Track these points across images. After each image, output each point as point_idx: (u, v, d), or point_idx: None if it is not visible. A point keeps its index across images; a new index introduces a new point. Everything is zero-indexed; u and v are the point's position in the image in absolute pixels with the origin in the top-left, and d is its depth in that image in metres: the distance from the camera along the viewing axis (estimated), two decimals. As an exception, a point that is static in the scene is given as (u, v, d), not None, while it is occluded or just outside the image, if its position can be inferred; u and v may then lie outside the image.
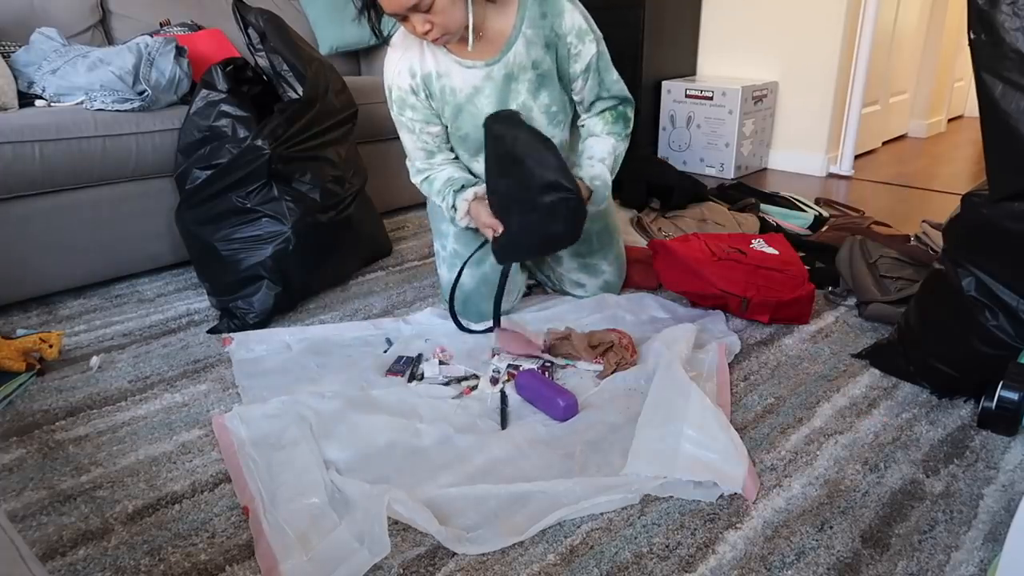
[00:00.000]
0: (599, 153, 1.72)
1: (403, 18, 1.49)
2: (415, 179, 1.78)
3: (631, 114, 1.77)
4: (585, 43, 1.63)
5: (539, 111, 1.68)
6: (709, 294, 1.80)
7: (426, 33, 1.48)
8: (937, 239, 2.07)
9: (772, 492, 1.21)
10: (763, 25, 3.44)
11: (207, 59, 2.14)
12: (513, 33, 1.60)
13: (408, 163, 1.78)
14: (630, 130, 1.78)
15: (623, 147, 1.77)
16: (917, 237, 2.19)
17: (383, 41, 1.64)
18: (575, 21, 1.61)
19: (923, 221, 2.26)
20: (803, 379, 1.57)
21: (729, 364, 1.60)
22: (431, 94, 1.66)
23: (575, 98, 1.74)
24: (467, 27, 1.52)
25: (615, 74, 1.72)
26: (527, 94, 1.66)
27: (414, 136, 1.72)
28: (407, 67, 1.63)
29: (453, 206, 1.71)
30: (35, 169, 1.82)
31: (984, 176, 1.34)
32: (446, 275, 1.85)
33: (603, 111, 1.74)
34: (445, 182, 1.72)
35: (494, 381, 1.53)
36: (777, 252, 1.94)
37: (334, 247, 1.98)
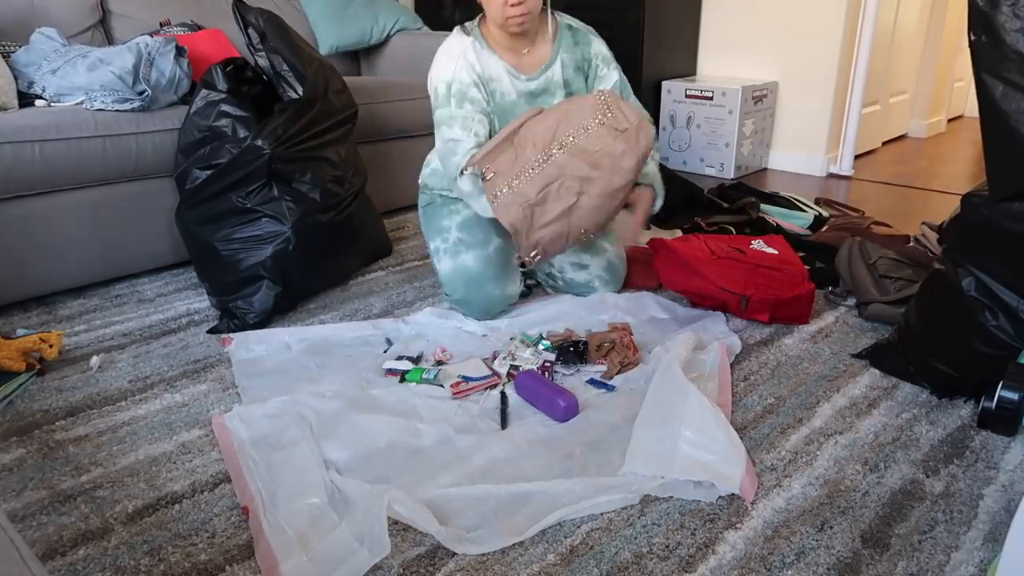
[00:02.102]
0: None
1: None
2: (442, 145, 1.78)
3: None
4: (610, 69, 1.87)
5: None
6: (709, 293, 1.80)
7: (516, 4, 1.64)
8: (935, 241, 2.07)
9: (772, 492, 1.21)
10: (763, 25, 3.44)
11: (207, 59, 2.14)
12: (552, 55, 1.82)
13: (439, 140, 1.80)
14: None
15: (658, 156, 1.92)
16: (916, 239, 2.19)
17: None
18: (601, 49, 1.88)
19: (923, 223, 2.26)
20: (803, 379, 1.57)
21: (730, 364, 1.60)
22: (486, 92, 1.79)
23: None
24: (541, 9, 1.72)
25: (635, 97, 1.92)
26: None
27: (467, 132, 1.76)
28: (467, 64, 1.77)
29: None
30: (35, 169, 1.82)
31: (984, 176, 1.34)
32: (449, 265, 1.85)
33: None
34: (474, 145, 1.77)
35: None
36: (776, 252, 1.94)
37: (334, 247, 1.98)
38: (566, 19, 1.86)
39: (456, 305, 1.86)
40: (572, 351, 1.59)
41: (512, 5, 1.64)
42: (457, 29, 1.80)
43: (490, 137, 1.79)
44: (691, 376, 1.44)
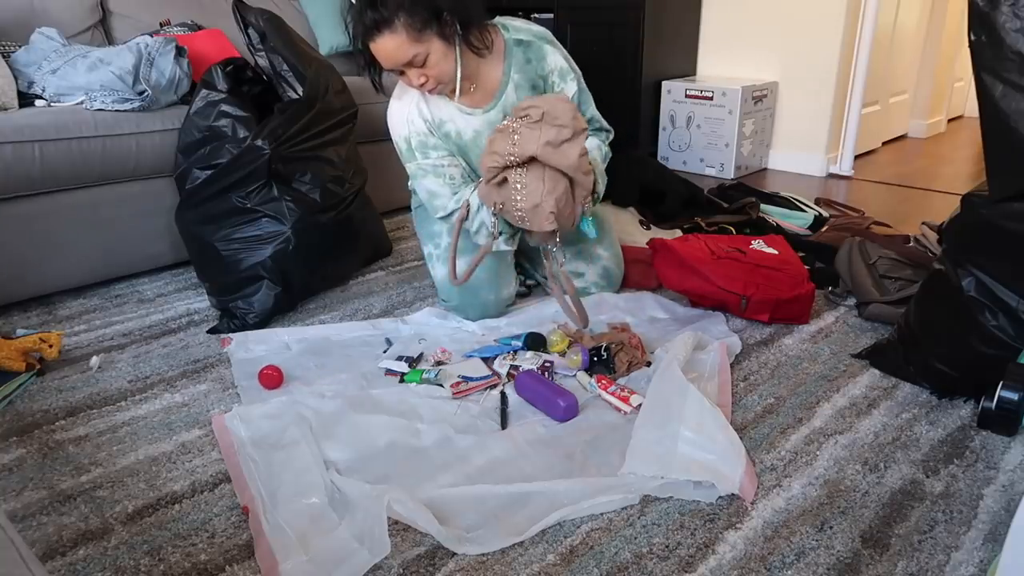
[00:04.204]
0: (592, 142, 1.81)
1: (400, 72, 1.62)
2: (422, 192, 1.78)
3: (609, 138, 1.88)
4: (567, 82, 1.77)
5: None
6: (708, 293, 1.80)
7: (422, 85, 1.62)
8: (935, 241, 2.07)
9: (772, 492, 1.21)
10: (763, 25, 3.44)
11: (207, 59, 2.14)
12: (503, 79, 1.72)
13: (419, 188, 1.79)
14: (609, 143, 1.88)
15: (606, 149, 1.85)
16: (916, 239, 2.19)
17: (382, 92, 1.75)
18: (557, 62, 1.75)
19: (923, 223, 2.26)
20: (803, 379, 1.57)
21: (729, 364, 1.60)
22: (439, 136, 1.74)
23: None
24: (458, 77, 1.63)
25: (595, 109, 1.84)
26: None
27: (441, 179, 1.75)
28: (417, 113, 1.72)
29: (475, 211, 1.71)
30: (35, 169, 1.82)
31: (984, 176, 1.34)
32: (442, 272, 1.85)
33: None
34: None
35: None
36: (777, 252, 1.94)
37: (334, 247, 1.98)
38: (516, 33, 1.72)
39: (453, 311, 1.86)
40: (596, 361, 1.57)
41: (420, 85, 1.61)
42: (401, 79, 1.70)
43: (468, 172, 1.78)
44: (691, 376, 1.44)
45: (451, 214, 1.76)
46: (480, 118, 1.73)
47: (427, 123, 1.72)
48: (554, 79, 1.75)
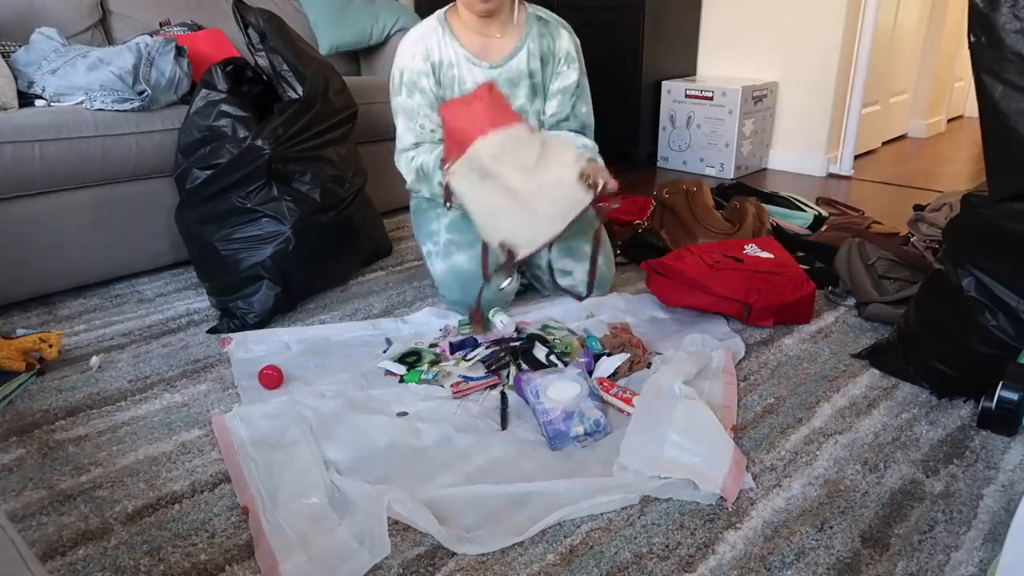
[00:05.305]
0: (581, 140, 1.87)
1: None
2: (400, 162, 1.85)
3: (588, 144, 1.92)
4: (570, 67, 1.85)
5: (534, 116, 1.86)
6: (711, 306, 1.77)
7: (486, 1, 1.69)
8: (929, 225, 2.05)
9: (772, 492, 1.21)
10: (763, 25, 3.44)
11: (207, 59, 2.14)
12: (520, 43, 1.81)
13: (396, 154, 1.86)
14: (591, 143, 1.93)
15: (586, 141, 1.90)
16: (908, 236, 2.17)
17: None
18: (568, 47, 1.85)
19: (914, 206, 2.23)
20: (803, 379, 1.57)
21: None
22: (439, 82, 1.79)
23: (543, 118, 1.89)
24: (510, 5, 1.75)
25: (589, 107, 1.90)
26: (525, 99, 1.84)
27: (412, 122, 1.80)
28: (423, 51, 1.78)
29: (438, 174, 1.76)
30: (35, 169, 1.82)
31: (984, 176, 1.34)
32: (442, 267, 1.85)
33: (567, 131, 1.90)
34: (436, 158, 1.78)
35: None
36: (772, 255, 1.93)
37: (334, 247, 1.98)
38: (538, 10, 1.85)
39: (453, 306, 1.86)
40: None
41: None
42: (435, 14, 1.81)
43: (439, 131, 1.80)
44: (694, 375, 1.44)
45: (412, 160, 1.81)
46: (485, 72, 1.78)
47: (429, 63, 1.76)
48: (561, 58, 1.83)
